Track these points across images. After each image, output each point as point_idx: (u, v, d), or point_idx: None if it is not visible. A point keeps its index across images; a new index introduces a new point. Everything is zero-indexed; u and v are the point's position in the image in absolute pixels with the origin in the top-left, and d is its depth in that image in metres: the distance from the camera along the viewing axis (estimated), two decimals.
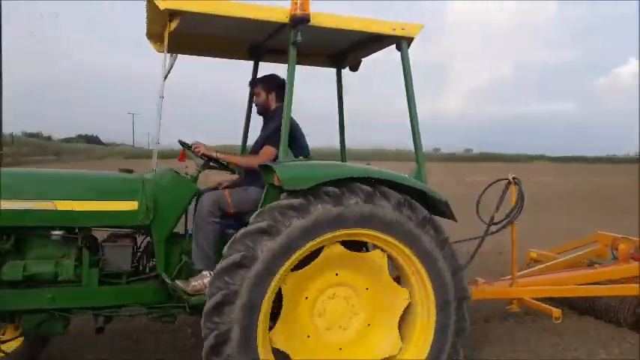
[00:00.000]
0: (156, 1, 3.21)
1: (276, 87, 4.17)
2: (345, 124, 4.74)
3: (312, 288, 3.44)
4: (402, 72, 3.83)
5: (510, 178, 4.57)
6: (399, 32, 3.69)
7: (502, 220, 4.47)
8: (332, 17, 3.53)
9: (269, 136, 3.96)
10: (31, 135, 62.81)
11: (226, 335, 3.05)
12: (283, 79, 3.96)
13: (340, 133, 4.77)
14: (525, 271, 5.44)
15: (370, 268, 3.49)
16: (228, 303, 3.04)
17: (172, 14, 3.31)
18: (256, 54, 4.57)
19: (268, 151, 3.90)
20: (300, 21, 3.40)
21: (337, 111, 4.74)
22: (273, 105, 4.20)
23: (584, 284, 5.02)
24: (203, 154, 3.99)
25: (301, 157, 3.79)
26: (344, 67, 4.63)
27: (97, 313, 3.64)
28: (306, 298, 3.43)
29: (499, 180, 4.73)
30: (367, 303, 3.51)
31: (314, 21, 3.43)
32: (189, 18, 3.37)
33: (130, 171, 3.92)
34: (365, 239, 3.42)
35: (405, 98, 3.84)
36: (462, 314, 3.57)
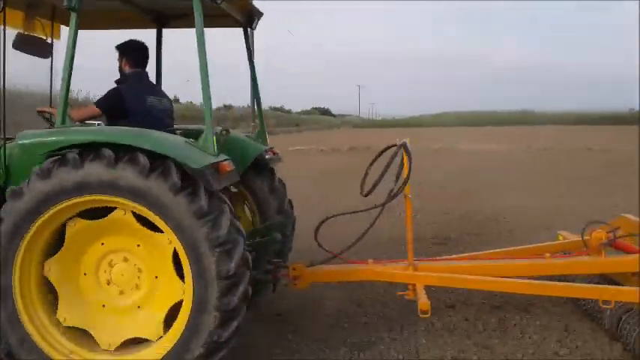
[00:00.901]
0: None
1: (128, 52, 4.21)
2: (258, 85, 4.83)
3: (86, 263, 3.41)
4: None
5: (398, 143, 4.13)
6: None
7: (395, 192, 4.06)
8: None
9: (100, 97, 4.08)
10: (275, 109, 73.63)
11: None
12: (137, 44, 4.22)
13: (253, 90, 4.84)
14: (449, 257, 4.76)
15: (124, 227, 3.35)
16: None
17: None
18: (160, 21, 4.62)
19: (89, 108, 4.09)
20: None
21: (249, 71, 4.79)
22: (127, 69, 4.20)
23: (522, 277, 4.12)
24: (39, 111, 4.16)
25: (100, 123, 4.08)
26: (252, 28, 4.55)
27: None
28: (85, 274, 3.41)
29: (388, 147, 4.35)
30: (146, 257, 3.38)
31: None
32: None
33: None
34: (115, 205, 3.25)
35: None
36: (230, 299, 3.15)
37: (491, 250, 4.78)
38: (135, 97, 4.04)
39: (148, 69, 4.34)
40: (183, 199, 3.10)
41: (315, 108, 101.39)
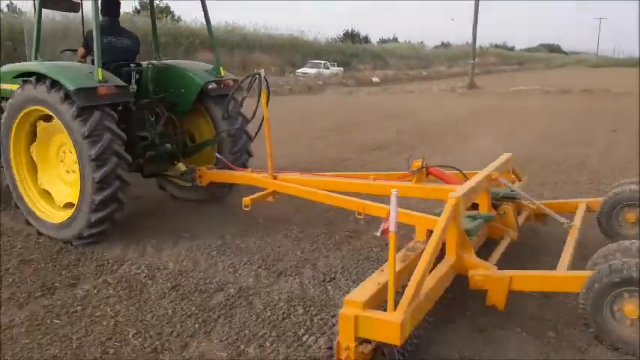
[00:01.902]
0: None
1: (101, 4, 5.28)
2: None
3: (51, 149, 5.08)
4: None
5: (256, 72, 4.93)
6: None
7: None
8: None
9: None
10: (497, 46, 70.88)
11: None
12: None
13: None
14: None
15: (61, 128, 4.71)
16: None
17: None
18: None
19: (81, 50, 5.51)
20: None
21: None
22: (102, 18, 5.31)
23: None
24: (62, 51, 5.98)
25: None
26: None
27: None
28: (51, 155, 5.11)
29: (248, 77, 5.08)
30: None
31: None
32: None
33: None
34: (46, 113, 4.80)
35: None
36: (98, 197, 4.56)
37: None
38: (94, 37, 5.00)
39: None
40: (69, 109, 4.51)
41: (542, 45, 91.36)
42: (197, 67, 5.92)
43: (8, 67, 5.41)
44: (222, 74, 5.78)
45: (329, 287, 3.89)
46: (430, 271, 2.97)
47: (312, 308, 3.56)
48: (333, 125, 12.94)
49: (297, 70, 33.49)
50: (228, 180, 5.52)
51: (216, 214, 5.67)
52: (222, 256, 4.48)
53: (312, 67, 34.41)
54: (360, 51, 46.91)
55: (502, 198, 4.26)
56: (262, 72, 4.89)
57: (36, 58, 5.16)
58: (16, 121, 4.96)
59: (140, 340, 3.20)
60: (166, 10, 35.35)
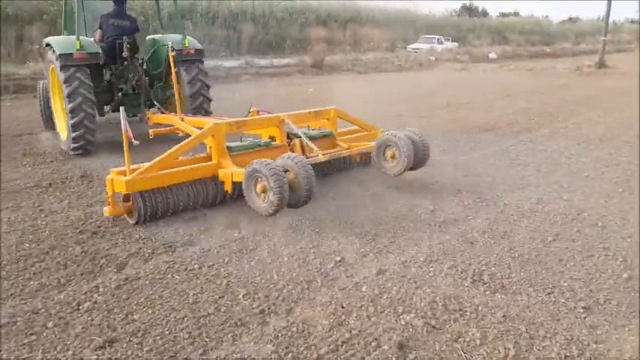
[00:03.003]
0: None
1: None
2: None
3: (59, 90, 7.37)
4: None
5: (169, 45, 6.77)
6: None
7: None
8: None
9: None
10: (634, 21, 65.00)
11: None
12: None
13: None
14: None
15: None
16: None
17: None
18: None
19: (99, 31, 7.84)
20: None
21: None
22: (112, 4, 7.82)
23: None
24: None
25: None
26: None
27: None
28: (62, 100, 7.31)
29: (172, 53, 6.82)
30: None
31: None
32: None
33: None
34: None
35: None
36: (73, 134, 6.99)
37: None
38: (104, 19, 7.73)
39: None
40: (58, 65, 6.94)
41: None
42: (169, 38, 7.66)
43: (46, 39, 7.70)
44: (186, 44, 7.74)
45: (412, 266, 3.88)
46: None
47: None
48: (443, 103, 12.60)
49: (409, 46, 32.78)
50: (158, 120, 7.25)
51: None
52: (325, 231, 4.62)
53: (424, 43, 33.50)
54: (477, 25, 44.82)
55: (293, 134, 5.63)
56: (170, 44, 6.77)
57: (62, 33, 8.54)
58: (49, 72, 7.76)
59: (249, 300, 3.42)
60: None
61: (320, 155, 5.17)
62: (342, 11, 33.16)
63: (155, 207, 4.67)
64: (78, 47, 6.90)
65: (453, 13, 48.17)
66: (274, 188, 4.28)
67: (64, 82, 6.80)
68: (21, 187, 5.86)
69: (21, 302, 3.38)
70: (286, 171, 4.46)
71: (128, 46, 7.46)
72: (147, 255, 4.09)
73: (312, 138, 5.69)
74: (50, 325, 3.14)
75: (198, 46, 7.87)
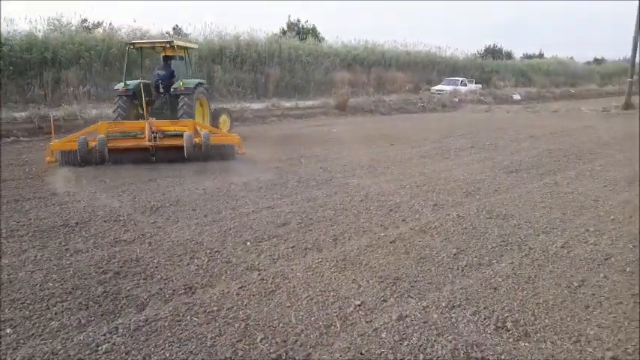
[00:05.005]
0: None
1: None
2: None
3: None
4: None
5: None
6: None
7: None
8: None
9: None
10: None
11: None
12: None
13: None
14: None
15: None
16: None
17: None
18: None
19: None
20: None
21: None
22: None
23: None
24: None
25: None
26: None
27: None
28: None
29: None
30: None
31: None
32: None
33: None
34: None
35: None
36: None
37: None
38: (155, 68, 12.55)
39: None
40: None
41: None
42: (179, 78, 11.67)
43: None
44: (181, 84, 11.25)
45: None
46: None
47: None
48: (467, 144, 12.57)
49: (432, 88, 33.03)
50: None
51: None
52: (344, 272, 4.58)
53: (448, 84, 33.71)
54: (501, 67, 44.97)
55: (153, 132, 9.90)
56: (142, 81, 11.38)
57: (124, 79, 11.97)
58: None
59: (266, 345, 3.39)
60: (313, 30, 37.05)
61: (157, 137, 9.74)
62: (366, 55, 33.73)
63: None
64: (123, 86, 11.51)
65: (477, 55, 48.43)
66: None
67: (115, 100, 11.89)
68: (49, 225, 5.99)
69: (41, 342, 3.41)
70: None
71: (161, 85, 11.90)
72: (167, 296, 4.11)
73: (166, 135, 10.01)
74: None
75: (191, 85, 11.42)
